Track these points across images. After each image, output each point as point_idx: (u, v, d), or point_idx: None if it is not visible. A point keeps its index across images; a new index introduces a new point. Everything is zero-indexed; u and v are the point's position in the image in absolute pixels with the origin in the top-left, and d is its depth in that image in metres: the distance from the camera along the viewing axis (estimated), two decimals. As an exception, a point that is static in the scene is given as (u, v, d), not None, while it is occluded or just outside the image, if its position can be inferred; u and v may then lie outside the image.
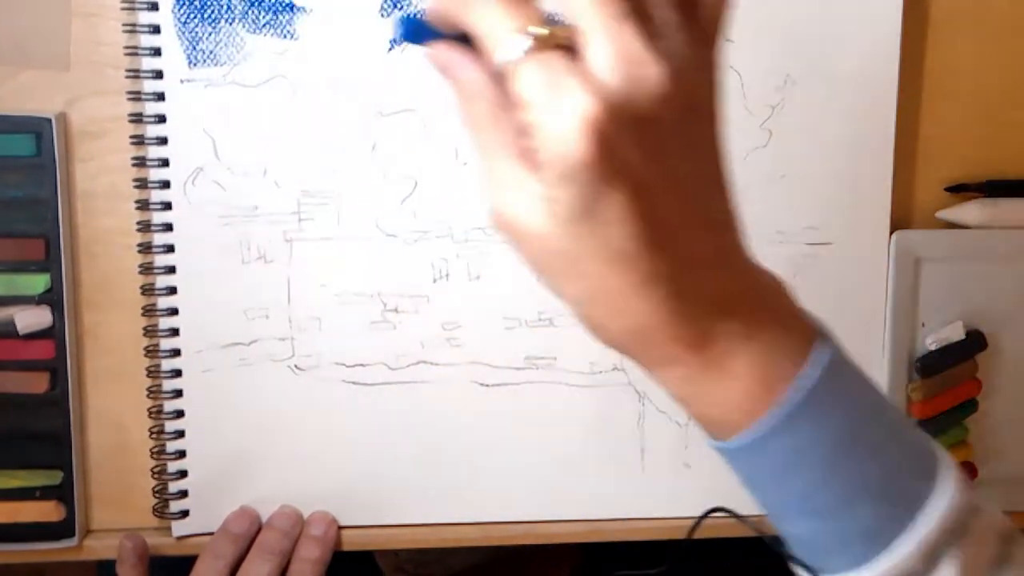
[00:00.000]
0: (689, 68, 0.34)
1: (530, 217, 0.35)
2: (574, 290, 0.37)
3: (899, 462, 0.39)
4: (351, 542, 0.58)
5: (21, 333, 0.54)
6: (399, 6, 0.53)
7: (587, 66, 0.33)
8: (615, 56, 0.33)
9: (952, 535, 0.39)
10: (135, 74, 0.52)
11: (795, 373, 0.37)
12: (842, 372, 0.39)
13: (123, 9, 0.52)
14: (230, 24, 0.52)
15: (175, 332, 0.54)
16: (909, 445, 0.39)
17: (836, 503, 0.38)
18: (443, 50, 0.37)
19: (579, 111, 0.33)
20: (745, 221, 0.57)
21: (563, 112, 0.33)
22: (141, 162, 0.53)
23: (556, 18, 0.34)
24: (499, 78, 0.35)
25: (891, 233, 0.56)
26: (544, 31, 0.34)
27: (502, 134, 0.36)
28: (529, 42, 0.34)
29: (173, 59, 0.52)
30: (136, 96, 0.53)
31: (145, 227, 0.54)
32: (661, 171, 0.35)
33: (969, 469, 0.59)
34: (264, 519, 0.57)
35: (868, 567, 0.38)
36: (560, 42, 0.34)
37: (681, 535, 0.57)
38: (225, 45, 0.52)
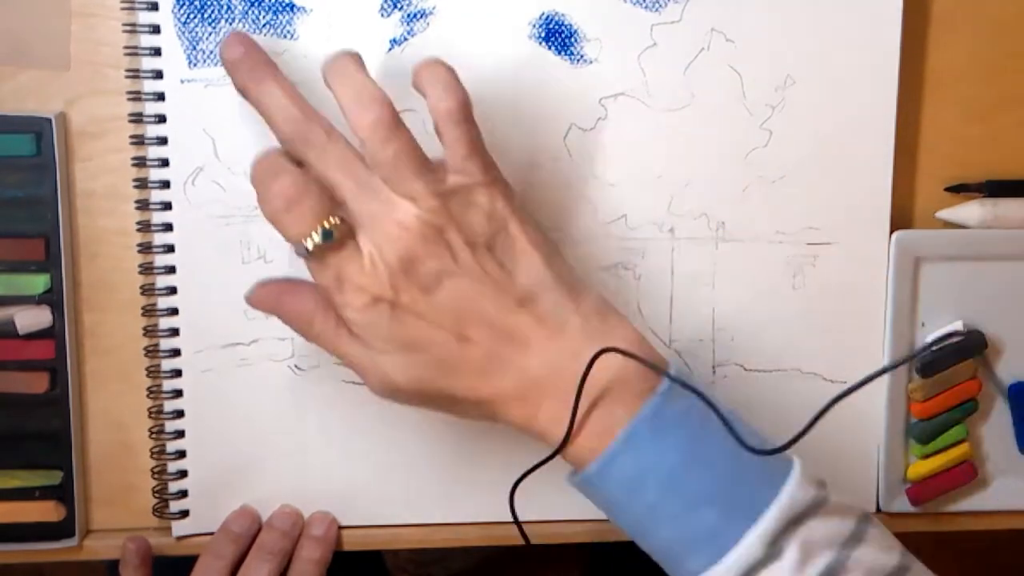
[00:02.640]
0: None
1: (392, 376, 0.46)
2: (452, 398, 0.47)
3: (737, 472, 0.45)
4: (351, 542, 0.58)
5: (21, 333, 0.54)
6: (399, 6, 0.53)
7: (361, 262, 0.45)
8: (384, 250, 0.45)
9: (793, 523, 0.44)
10: (135, 74, 0.53)
11: (631, 413, 0.45)
12: (676, 406, 0.45)
13: (123, 9, 0.52)
14: (230, 24, 0.52)
15: (175, 332, 0.54)
16: (748, 458, 0.45)
17: (681, 511, 0.45)
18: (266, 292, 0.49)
19: (363, 298, 0.45)
20: (745, 221, 0.57)
21: (349, 298, 0.45)
22: (141, 162, 0.53)
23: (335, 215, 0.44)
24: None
25: (891, 233, 0.56)
26: (318, 240, 0.44)
27: (333, 334, 0.47)
28: (310, 247, 0.44)
29: (173, 59, 0.52)
30: (136, 96, 0.53)
31: (145, 227, 0.54)
32: (433, 306, 0.45)
33: (969, 469, 0.59)
34: (264, 519, 0.57)
35: (720, 563, 0.44)
36: (342, 233, 0.44)
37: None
38: (225, 45, 0.52)
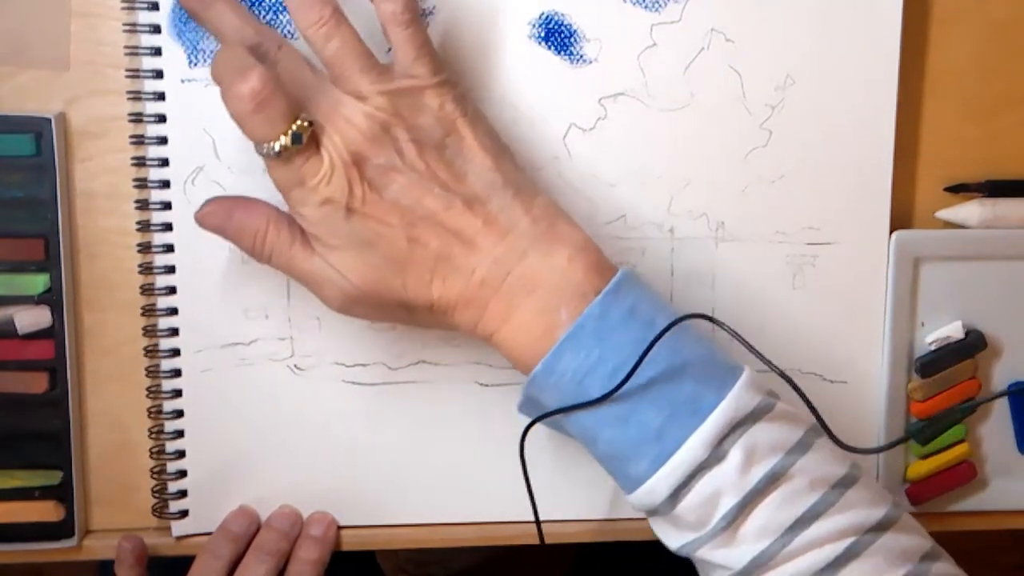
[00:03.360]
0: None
1: (344, 283, 0.47)
2: (406, 303, 0.47)
3: (682, 375, 0.45)
4: (351, 542, 0.58)
5: (20, 333, 0.54)
6: (399, 6, 0.53)
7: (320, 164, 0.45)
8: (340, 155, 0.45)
9: (737, 427, 0.44)
10: (135, 74, 0.53)
11: (576, 311, 0.45)
12: (622, 306, 0.45)
13: (123, 9, 0.52)
14: (230, 24, 0.52)
15: (175, 332, 0.54)
16: (698, 364, 0.45)
17: (624, 411, 0.45)
18: (215, 208, 0.49)
19: (320, 196, 0.45)
20: (745, 221, 0.57)
21: (308, 195, 0.46)
22: (141, 162, 0.53)
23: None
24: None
25: (891, 233, 0.56)
26: (287, 143, 0.44)
27: (287, 247, 0.47)
28: (277, 148, 0.45)
29: (173, 59, 0.52)
30: (136, 96, 0.53)
31: (145, 227, 0.54)
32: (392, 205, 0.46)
33: (968, 469, 0.59)
34: (263, 519, 0.57)
35: (664, 466, 0.44)
36: (309, 136, 0.45)
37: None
38: (225, 45, 0.52)
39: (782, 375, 0.46)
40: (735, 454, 0.44)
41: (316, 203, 0.46)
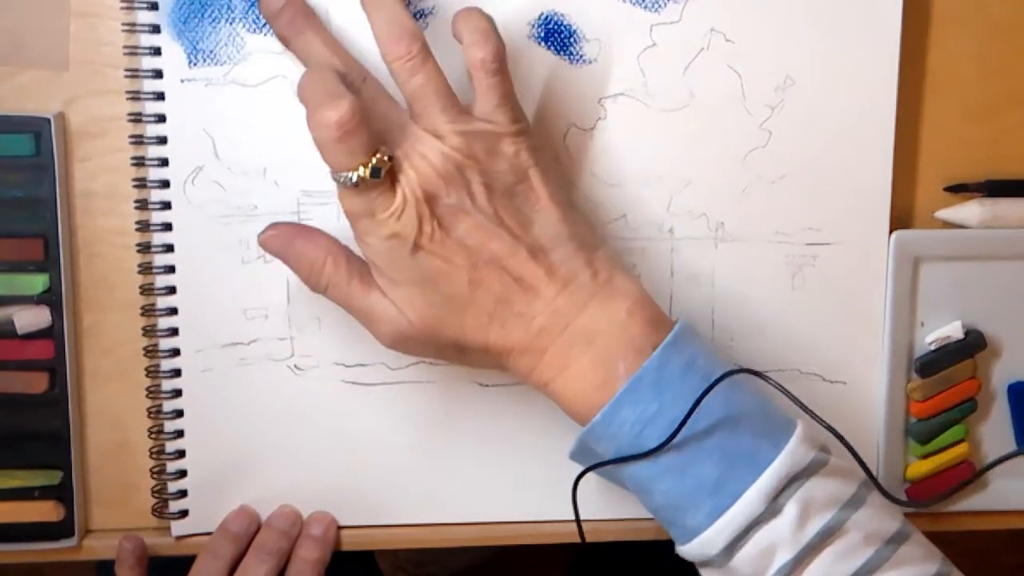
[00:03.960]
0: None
1: (401, 320, 0.47)
2: (460, 344, 0.47)
3: (740, 428, 0.45)
4: (351, 542, 0.58)
5: (20, 333, 0.54)
6: (399, 6, 0.53)
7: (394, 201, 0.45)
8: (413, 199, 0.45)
9: (793, 481, 0.45)
10: (134, 74, 0.52)
11: (634, 364, 0.45)
12: (679, 360, 0.46)
13: (123, 9, 0.52)
14: (230, 24, 0.52)
15: (174, 332, 0.54)
16: (753, 417, 0.46)
17: (681, 463, 0.45)
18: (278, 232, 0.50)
19: (388, 230, 0.45)
20: (745, 221, 0.57)
21: (376, 227, 0.46)
22: (140, 162, 0.53)
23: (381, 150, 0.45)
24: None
25: (891, 233, 0.56)
26: (366, 175, 0.44)
27: (345, 281, 0.48)
28: (355, 180, 0.44)
29: (173, 59, 0.52)
30: (135, 96, 0.53)
31: (144, 227, 0.54)
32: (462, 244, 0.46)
33: (968, 469, 0.59)
34: (264, 519, 0.57)
35: (721, 518, 0.44)
36: (387, 172, 0.45)
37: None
38: (225, 45, 0.52)
39: (828, 427, 0.46)
40: (791, 508, 0.44)
41: (384, 236, 0.46)
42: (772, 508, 0.44)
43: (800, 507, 0.44)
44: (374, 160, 0.44)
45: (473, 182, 0.46)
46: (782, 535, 0.44)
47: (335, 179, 0.45)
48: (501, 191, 0.46)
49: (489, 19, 0.47)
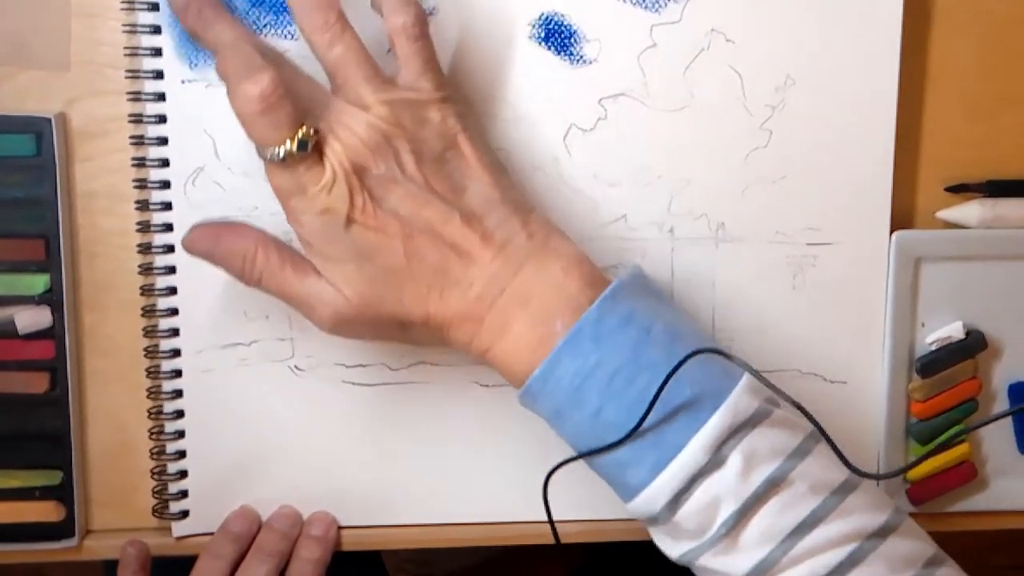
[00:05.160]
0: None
1: (339, 299, 0.46)
2: (401, 319, 0.47)
3: (682, 382, 0.44)
4: (351, 542, 0.58)
5: (21, 333, 0.54)
6: (399, 6, 0.53)
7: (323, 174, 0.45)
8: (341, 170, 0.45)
9: (736, 432, 0.44)
10: (135, 74, 0.52)
11: (572, 320, 0.45)
12: (619, 311, 0.45)
13: (123, 9, 0.52)
14: (230, 24, 0.52)
15: (175, 332, 0.54)
16: (696, 371, 0.45)
17: (623, 416, 0.44)
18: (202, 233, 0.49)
19: (321, 205, 0.45)
20: (745, 221, 0.57)
21: (308, 204, 0.45)
22: (141, 162, 0.53)
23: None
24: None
25: (891, 233, 0.56)
26: (292, 149, 0.44)
27: (278, 269, 0.47)
28: (282, 154, 0.44)
29: (174, 59, 0.52)
30: (136, 96, 0.53)
31: (145, 227, 0.54)
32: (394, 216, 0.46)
33: (969, 469, 0.59)
34: (264, 519, 0.57)
35: (663, 472, 0.44)
36: (314, 144, 0.44)
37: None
38: (225, 45, 0.52)
39: (777, 391, 0.46)
40: (734, 459, 0.44)
41: (316, 212, 0.45)
42: (716, 459, 0.44)
43: (744, 457, 0.44)
44: (300, 133, 0.44)
45: (401, 151, 0.46)
46: (726, 486, 0.44)
47: (262, 156, 0.45)
48: (430, 158, 0.46)
49: None
